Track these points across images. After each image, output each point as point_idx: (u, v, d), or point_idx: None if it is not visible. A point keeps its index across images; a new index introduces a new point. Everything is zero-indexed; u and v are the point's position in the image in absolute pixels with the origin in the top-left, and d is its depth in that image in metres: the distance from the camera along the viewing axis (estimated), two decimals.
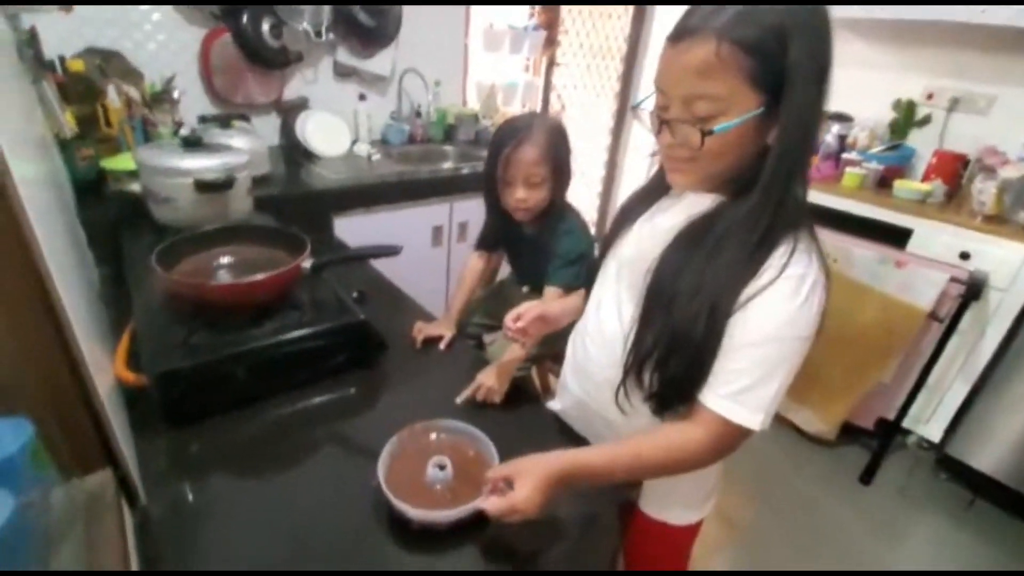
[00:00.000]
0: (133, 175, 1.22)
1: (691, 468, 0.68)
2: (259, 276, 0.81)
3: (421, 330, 1.06)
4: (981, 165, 1.99)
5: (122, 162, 1.29)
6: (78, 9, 1.46)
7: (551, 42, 2.72)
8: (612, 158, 3.25)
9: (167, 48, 1.64)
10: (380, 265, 1.34)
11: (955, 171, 2.07)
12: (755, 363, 0.62)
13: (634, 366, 0.69)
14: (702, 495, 0.87)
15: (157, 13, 1.60)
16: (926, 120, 2.25)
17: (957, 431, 1.90)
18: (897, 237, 1.94)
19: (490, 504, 0.62)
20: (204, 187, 1.07)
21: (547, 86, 2.86)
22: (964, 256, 1.81)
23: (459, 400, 0.90)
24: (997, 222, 1.83)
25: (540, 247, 1.15)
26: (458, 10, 2.27)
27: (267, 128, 1.91)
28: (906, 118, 2.27)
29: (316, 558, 0.64)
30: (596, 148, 3.25)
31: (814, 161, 2.24)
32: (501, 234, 1.24)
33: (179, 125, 1.48)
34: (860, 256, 1.83)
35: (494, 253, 1.30)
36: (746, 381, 0.62)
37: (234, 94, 1.78)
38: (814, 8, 0.57)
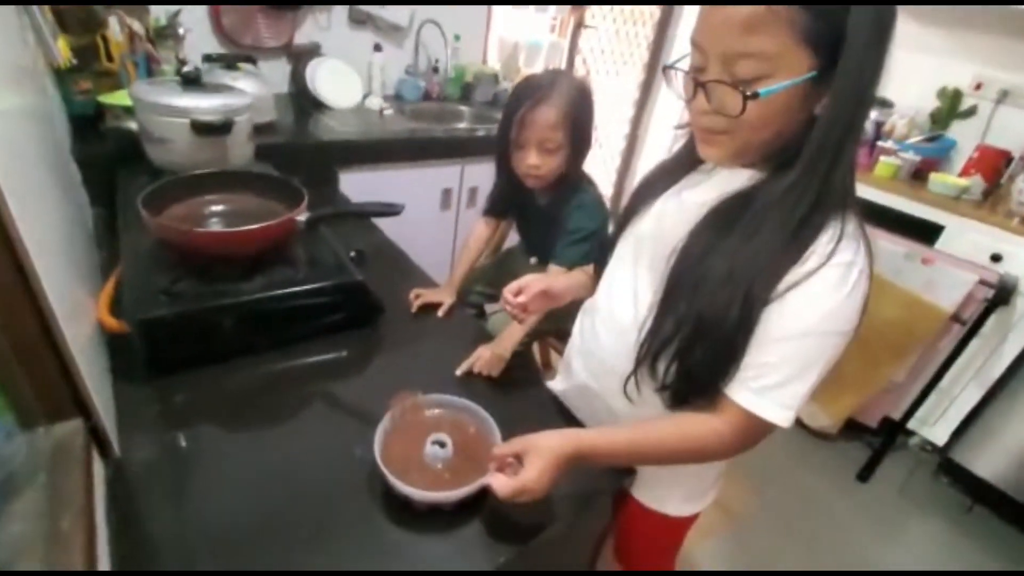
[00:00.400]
0: (131, 112, 1.16)
1: (708, 460, 0.65)
2: (249, 226, 0.77)
3: (420, 295, 1.02)
4: None
5: (121, 97, 1.23)
6: None
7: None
8: (634, 131, 3.13)
9: None
10: (384, 226, 1.29)
11: (996, 167, 1.96)
12: (790, 358, 0.57)
13: (648, 356, 0.64)
14: (703, 488, 0.83)
15: None
16: (971, 111, 2.12)
17: (963, 436, 1.86)
18: (926, 233, 1.85)
19: (499, 485, 0.59)
20: (201, 128, 1.01)
21: (572, 49, 2.73)
22: (995, 258, 1.73)
23: (459, 372, 0.87)
24: None
25: (552, 218, 1.09)
26: None
27: (276, 74, 1.83)
28: (950, 108, 2.14)
29: (297, 523, 0.61)
30: (619, 119, 3.13)
31: None
32: (511, 201, 1.17)
33: (183, 63, 1.41)
34: (885, 250, 1.75)
35: (503, 220, 1.24)
36: (778, 376, 0.57)
37: (243, 35, 1.69)
38: None
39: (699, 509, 0.85)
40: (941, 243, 1.83)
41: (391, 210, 0.83)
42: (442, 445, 0.67)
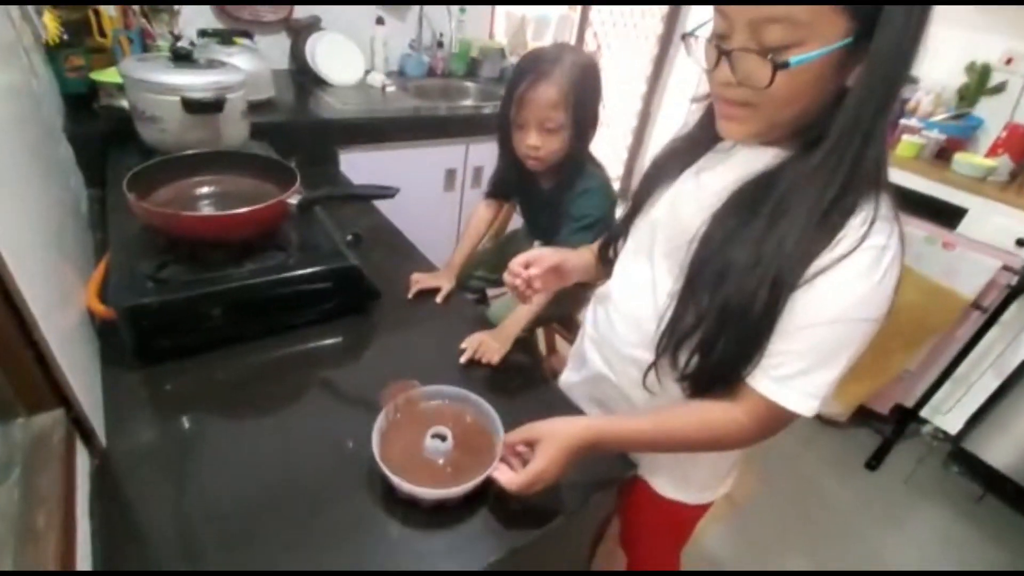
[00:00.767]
0: (124, 90, 1.13)
1: (726, 448, 0.64)
2: (237, 210, 0.74)
3: (418, 281, 0.99)
4: None
5: (113, 75, 1.20)
6: None
7: None
8: (646, 108, 3.04)
9: None
10: (385, 208, 1.25)
11: None
12: (816, 345, 0.54)
13: (670, 347, 0.61)
14: (718, 477, 0.80)
15: None
16: (1000, 88, 2.01)
17: (978, 425, 1.82)
18: (949, 215, 1.78)
19: (508, 480, 0.57)
20: (192, 106, 0.98)
21: (583, 22, 2.63)
22: (1021, 243, 1.66)
23: (462, 360, 0.84)
24: None
25: (556, 202, 1.05)
26: None
27: (276, 49, 1.78)
28: (979, 84, 2.04)
29: (292, 517, 0.60)
30: (631, 95, 3.03)
31: None
32: (514, 183, 1.13)
33: (177, 38, 1.37)
34: (905, 233, 1.68)
35: (506, 203, 1.20)
36: (802, 364, 0.55)
37: (240, 8, 1.64)
38: None
39: (713, 498, 0.82)
40: (964, 227, 1.76)
41: (385, 193, 0.80)
42: (443, 439, 0.65)
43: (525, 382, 0.86)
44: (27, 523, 0.46)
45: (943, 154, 1.96)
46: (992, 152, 1.92)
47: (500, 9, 2.30)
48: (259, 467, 0.65)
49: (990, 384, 1.78)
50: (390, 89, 1.79)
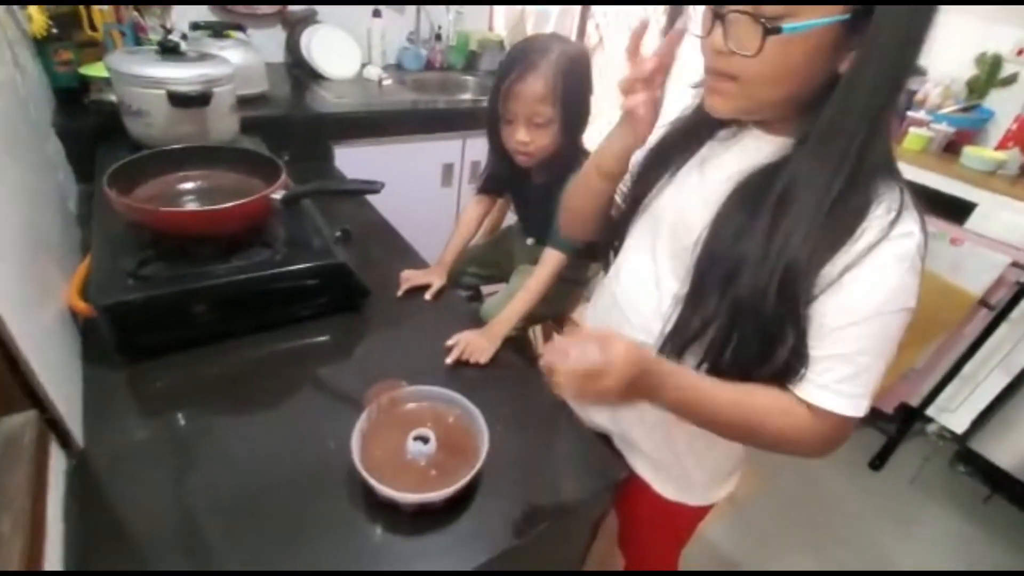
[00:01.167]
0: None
1: (785, 449, 0.57)
2: (218, 205, 0.72)
3: (408, 278, 0.97)
4: None
5: (103, 69, 1.18)
6: None
7: None
8: None
9: None
10: (381, 204, 1.23)
11: None
12: (860, 345, 0.52)
13: (674, 351, 0.59)
14: (721, 477, 0.78)
15: None
16: (1012, 79, 1.96)
17: (985, 424, 1.78)
18: (957, 210, 1.74)
19: (564, 363, 0.48)
20: (178, 100, 0.96)
21: (584, 14, 2.59)
22: None
23: (448, 361, 0.82)
24: None
25: (549, 198, 1.02)
26: None
27: (272, 42, 1.76)
28: (989, 75, 1.98)
29: (274, 520, 0.58)
30: None
31: None
32: (506, 179, 1.10)
33: (168, 31, 1.35)
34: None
35: (499, 199, 1.18)
36: (850, 368, 0.53)
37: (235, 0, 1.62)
38: None
39: (715, 500, 0.80)
40: (972, 222, 1.72)
41: (370, 188, 0.78)
42: (425, 441, 0.63)
43: (515, 382, 0.84)
44: None
45: (952, 147, 1.91)
46: (1002, 145, 1.88)
47: None
48: (240, 467, 0.64)
49: (998, 382, 1.75)
50: (387, 83, 1.77)
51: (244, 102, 1.31)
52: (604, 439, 0.78)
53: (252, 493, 0.61)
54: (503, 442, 0.68)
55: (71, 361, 0.71)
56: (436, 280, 0.98)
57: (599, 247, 0.78)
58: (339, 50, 1.75)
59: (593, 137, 1.01)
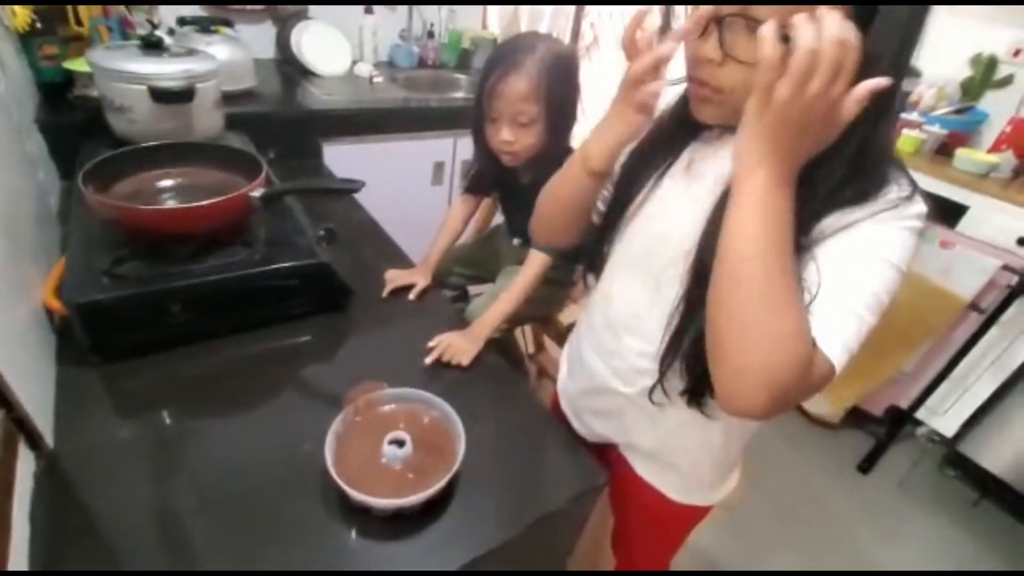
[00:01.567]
0: None
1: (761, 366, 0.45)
2: (194, 203, 0.71)
3: (392, 279, 0.97)
4: None
5: (86, 64, 1.17)
6: None
7: None
8: None
9: None
10: (369, 202, 1.22)
11: None
12: (844, 279, 0.47)
13: (677, 358, 0.58)
14: (722, 473, 0.77)
15: None
16: (1007, 81, 1.96)
17: (975, 428, 1.78)
18: (948, 214, 1.73)
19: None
20: (160, 96, 0.95)
21: (579, 12, 2.58)
22: (1022, 242, 1.61)
23: (427, 361, 0.82)
24: None
25: (536, 198, 1.01)
26: None
27: (263, 39, 1.75)
28: (984, 77, 1.98)
29: (248, 524, 0.58)
30: None
31: None
32: (491, 178, 1.09)
33: (155, 26, 1.34)
34: None
35: (485, 198, 1.17)
36: (832, 303, 0.46)
37: None
38: None
39: (721, 497, 0.80)
40: (963, 225, 1.72)
41: (351, 187, 0.77)
42: (400, 444, 0.62)
43: (497, 384, 0.83)
44: None
45: (945, 150, 1.91)
46: (996, 148, 1.87)
47: None
48: (215, 469, 0.63)
49: (988, 386, 1.75)
50: (378, 80, 1.76)
51: (231, 98, 1.30)
52: (588, 445, 0.78)
53: (226, 496, 0.60)
54: (482, 445, 0.67)
55: (43, 360, 0.70)
56: (420, 280, 0.98)
57: (583, 250, 0.77)
58: (330, 47, 1.73)
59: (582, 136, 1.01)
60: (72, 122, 1.15)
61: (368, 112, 1.58)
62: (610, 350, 0.71)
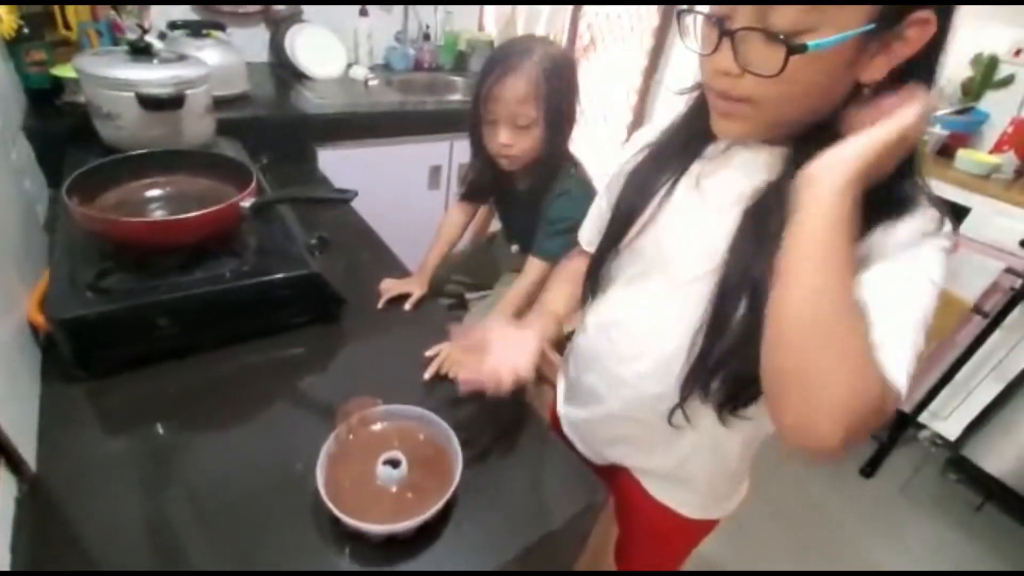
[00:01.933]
0: None
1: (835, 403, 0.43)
2: (180, 215, 0.69)
3: (388, 289, 0.94)
4: None
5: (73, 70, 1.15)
6: None
7: None
8: (641, 102, 2.97)
9: None
10: (365, 208, 1.20)
11: None
12: (884, 310, 0.44)
13: (699, 384, 0.57)
14: (730, 487, 0.76)
15: None
16: (1008, 81, 1.94)
17: (978, 431, 1.77)
18: (950, 215, 1.71)
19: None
20: (149, 102, 0.93)
21: (576, 14, 2.56)
22: None
23: (426, 375, 0.80)
24: None
25: (534, 204, 1.00)
26: None
27: (256, 42, 1.73)
28: (984, 77, 1.96)
29: (236, 548, 0.56)
30: (626, 90, 2.96)
31: None
32: (489, 184, 1.07)
33: (144, 31, 1.32)
34: None
35: (482, 205, 1.15)
36: (891, 336, 0.44)
37: None
38: None
39: (732, 508, 0.79)
40: (966, 227, 1.70)
41: (343, 197, 0.75)
42: (395, 464, 0.60)
43: (498, 399, 0.81)
44: None
45: (946, 151, 1.89)
46: (997, 148, 1.86)
47: None
48: (204, 489, 0.61)
49: (991, 389, 1.73)
50: (373, 83, 1.74)
51: (223, 103, 1.28)
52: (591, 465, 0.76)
53: (215, 517, 0.58)
54: (479, 462, 0.65)
55: (27, 378, 0.68)
56: (416, 289, 0.96)
57: (591, 273, 0.73)
58: (324, 50, 1.71)
59: (581, 140, 0.99)
60: (61, 129, 1.13)
61: (363, 116, 1.56)
62: (619, 380, 0.68)
